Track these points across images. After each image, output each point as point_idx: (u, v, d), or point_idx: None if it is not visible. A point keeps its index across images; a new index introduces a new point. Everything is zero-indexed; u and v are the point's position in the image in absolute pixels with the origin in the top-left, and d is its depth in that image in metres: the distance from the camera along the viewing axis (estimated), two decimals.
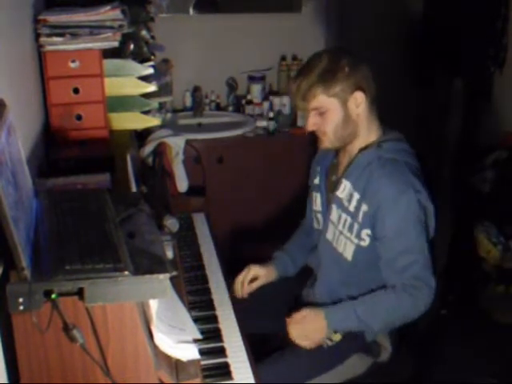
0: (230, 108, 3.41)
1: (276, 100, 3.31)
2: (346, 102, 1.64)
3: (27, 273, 1.01)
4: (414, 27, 3.61)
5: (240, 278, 1.87)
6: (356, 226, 1.67)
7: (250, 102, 3.32)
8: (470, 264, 2.97)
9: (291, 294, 1.94)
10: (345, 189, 1.70)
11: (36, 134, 1.75)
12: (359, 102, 1.65)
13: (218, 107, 3.43)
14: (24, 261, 1.01)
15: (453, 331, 2.69)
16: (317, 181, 1.85)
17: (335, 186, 1.74)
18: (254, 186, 3.06)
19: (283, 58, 3.46)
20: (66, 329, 1.07)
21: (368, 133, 1.70)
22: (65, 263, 1.05)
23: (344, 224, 1.70)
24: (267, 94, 3.38)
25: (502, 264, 2.91)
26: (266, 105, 3.29)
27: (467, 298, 2.90)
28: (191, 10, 3.36)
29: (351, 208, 1.67)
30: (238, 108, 3.38)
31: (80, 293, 1.05)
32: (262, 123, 3.16)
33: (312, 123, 1.68)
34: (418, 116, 3.61)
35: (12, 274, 1.05)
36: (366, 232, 1.66)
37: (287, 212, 2.05)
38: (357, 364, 1.73)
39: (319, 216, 1.84)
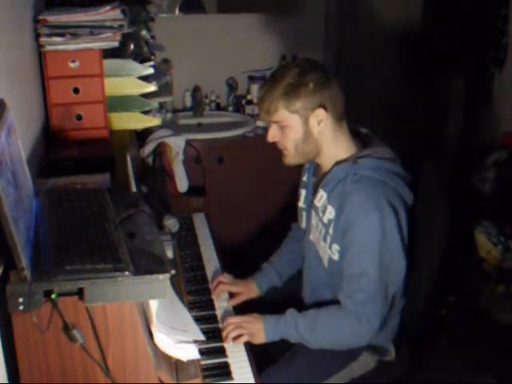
0: (230, 108, 3.40)
1: None
2: (307, 118, 1.60)
3: (27, 273, 1.01)
4: (413, 27, 3.61)
5: (222, 278, 1.83)
6: (328, 239, 1.65)
7: (250, 102, 3.32)
8: (470, 264, 2.97)
9: (293, 293, 1.94)
10: (321, 199, 1.67)
11: (36, 134, 1.75)
12: (320, 119, 1.60)
13: (218, 107, 3.43)
14: (24, 261, 1.01)
15: (453, 331, 2.69)
16: (305, 178, 1.84)
17: (316, 189, 1.72)
18: (254, 186, 3.06)
19: (283, 58, 3.46)
20: (66, 329, 1.08)
21: (335, 149, 1.66)
22: (65, 263, 1.05)
23: (320, 232, 1.69)
24: None
25: (502, 264, 2.91)
26: None
27: (467, 297, 2.90)
28: (190, 10, 3.37)
29: (325, 219, 1.65)
30: (238, 108, 3.38)
31: (80, 293, 1.05)
32: (262, 123, 3.16)
33: (272, 135, 1.66)
34: (418, 116, 3.61)
35: (12, 274, 1.05)
36: (335, 247, 1.63)
37: (287, 212, 2.05)
38: (367, 361, 1.72)
39: (303, 214, 1.82)
